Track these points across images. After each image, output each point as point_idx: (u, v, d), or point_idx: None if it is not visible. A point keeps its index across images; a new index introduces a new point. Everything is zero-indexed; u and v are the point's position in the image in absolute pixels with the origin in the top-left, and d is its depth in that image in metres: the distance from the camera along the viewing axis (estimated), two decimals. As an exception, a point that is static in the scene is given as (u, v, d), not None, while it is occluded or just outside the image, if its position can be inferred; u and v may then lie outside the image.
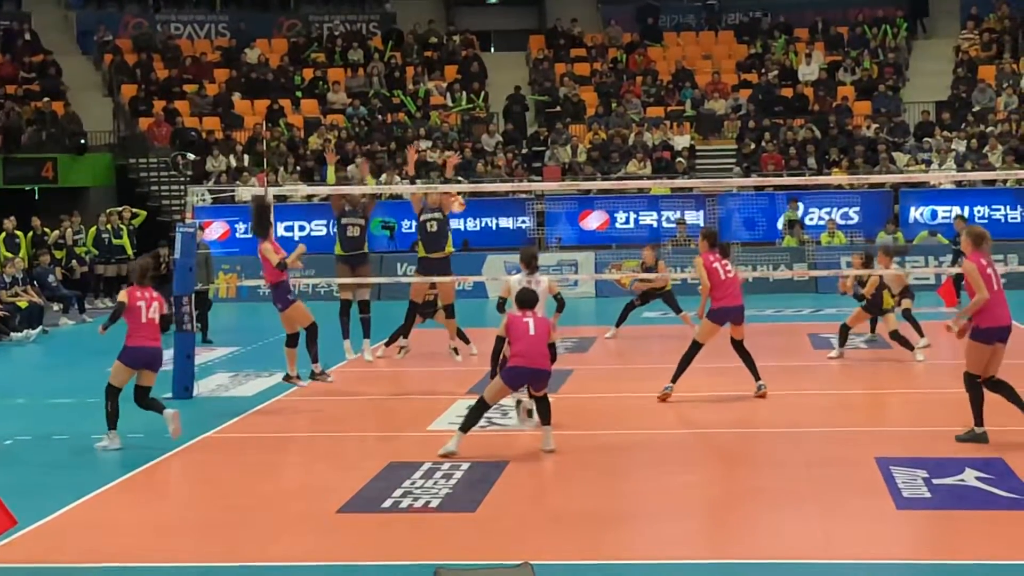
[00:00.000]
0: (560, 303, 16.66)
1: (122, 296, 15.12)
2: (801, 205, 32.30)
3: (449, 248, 19.61)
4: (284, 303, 17.29)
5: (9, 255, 29.38)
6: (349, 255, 19.83)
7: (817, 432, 14.99)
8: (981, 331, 14.15)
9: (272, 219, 17.68)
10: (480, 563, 9.81)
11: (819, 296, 29.85)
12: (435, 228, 19.34)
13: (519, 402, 15.19)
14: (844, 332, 20.43)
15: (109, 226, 32.40)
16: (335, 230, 18.46)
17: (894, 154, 34.81)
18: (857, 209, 32.68)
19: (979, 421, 14.15)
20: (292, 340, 17.30)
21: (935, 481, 12.35)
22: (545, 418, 14.11)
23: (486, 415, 14.39)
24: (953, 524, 11.09)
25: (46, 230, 31.98)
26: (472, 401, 14.43)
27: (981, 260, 14.23)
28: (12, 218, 31.24)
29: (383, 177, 34.46)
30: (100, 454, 14.68)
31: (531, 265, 15.95)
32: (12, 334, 25.50)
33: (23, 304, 26.17)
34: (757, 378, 16.92)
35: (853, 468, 13.13)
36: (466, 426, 13.85)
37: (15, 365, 22.67)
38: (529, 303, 14.17)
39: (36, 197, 36.64)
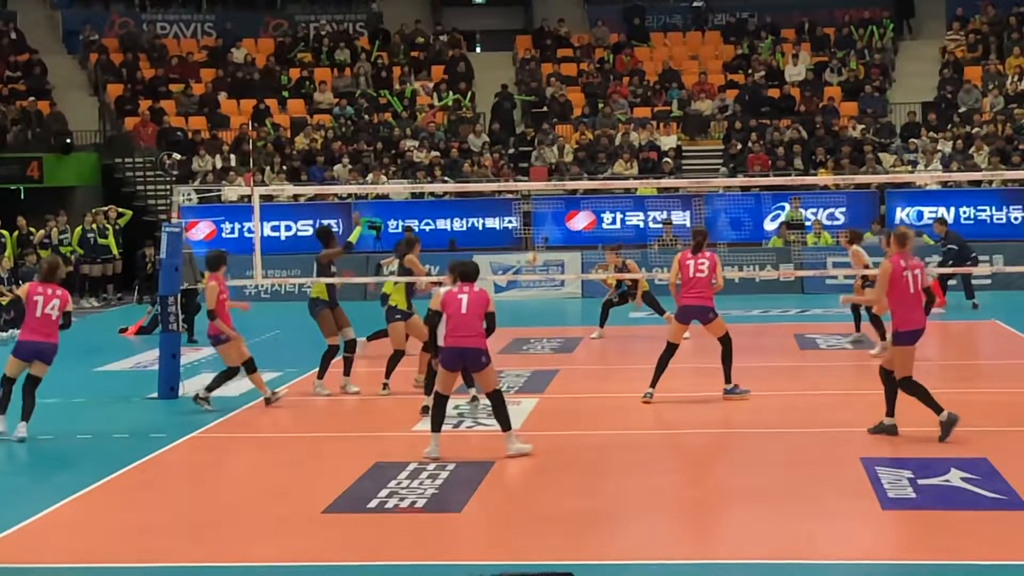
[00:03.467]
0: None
1: (21, 290, 15.91)
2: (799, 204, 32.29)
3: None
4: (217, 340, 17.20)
5: (-6, 255, 29.31)
6: (335, 301, 18.95)
7: (802, 432, 15.01)
8: (904, 334, 14.30)
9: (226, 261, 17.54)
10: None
11: (805, 296, 29.90)
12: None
13: (474, 398, 15.00)
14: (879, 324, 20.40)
15: (95, 226, 32.35)
16: (318, 274, 18.11)
17: (880, 155, 34.85)
18: (843, 210, 32.68)
19: (891, 411, 14.46)
20: (249, 366, 17.11)
21: (920, 481, 12.37)
22: (502, 422, 13.79)
23: (472, 416, 14.37)
24: (938, 524, 11.10)
25: (31, 230, 31.92)
26: (462, 401, 14.43)
27: (900, 262, 14.33)
28: (-3, 218, 31.21)
29: (369, 177, 34.47)
30: (86, 454, 14.65)
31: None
32: (-3, 333, 25.44)
33: (4, 302, 26.09)
34: (727, 380, 16.88)
35: (838, 468, 13.14)
36: (435, 424, 13.77)
37: None
38: (469, 276, 13.97)
39: (22, 197, 36.55)
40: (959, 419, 14.14)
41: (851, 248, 21.07)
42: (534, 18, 44.10)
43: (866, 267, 20.89)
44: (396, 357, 17.83)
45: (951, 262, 26.28)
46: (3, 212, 32.04)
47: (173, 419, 16.59)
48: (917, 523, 11.24)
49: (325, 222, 19.00)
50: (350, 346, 18.25)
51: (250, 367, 17.05)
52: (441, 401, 13.83)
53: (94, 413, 17.22)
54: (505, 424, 13.80)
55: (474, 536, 11.09)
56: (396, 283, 18.18)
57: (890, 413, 14.48)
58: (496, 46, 43.77)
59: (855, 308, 21.77)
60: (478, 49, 44.50)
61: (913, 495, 11.95)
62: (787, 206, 32.48)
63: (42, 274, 15.87)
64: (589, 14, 44.04)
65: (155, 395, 18.12)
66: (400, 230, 33.02)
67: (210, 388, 17.06)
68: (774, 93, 38.75)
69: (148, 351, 21.13)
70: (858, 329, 21.94)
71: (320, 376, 18.09)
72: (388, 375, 17.78)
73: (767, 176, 32.61)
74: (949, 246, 27.05)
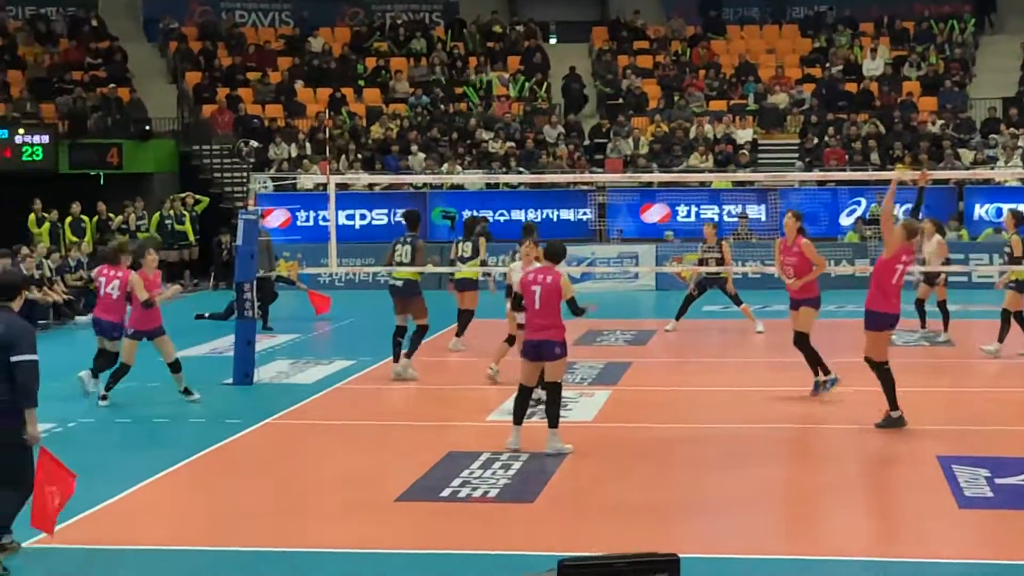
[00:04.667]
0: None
1: (94, 272, 17.47)
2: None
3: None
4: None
5: (75, 239, 29.64)
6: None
7: (878, 430, 14.86)
8: (881, 316, 14.69)
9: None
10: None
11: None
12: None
13: (537, 399, 14.75)
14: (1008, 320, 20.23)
15: (172, 212, 32.66)
16: (419, 258, 18.56)
17: (959, 150, 34.50)
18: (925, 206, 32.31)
19: (894, 405, 14.68)
20: (174, 367, 17.00)
21: (997, 480, 12.24)
22: (551, 417, 13.64)
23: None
24: (1015, 524, 10.98)
25: (111, 215, 32.27)
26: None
27: (903, 256, 14.75)
28: (77, 203, 31.54)
29: (445, 166, 34.53)
30: (163, 438, 14.80)
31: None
32: (76, 317, 25.72)
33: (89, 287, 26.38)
34: (822, 371, 16.72)
35: (914, 466, 13.05)
36: (517, 417, 13.79)
37: (78, 348, 22.78)
38: (551, 255, 13.92)
39: (101, 182, 36.91)
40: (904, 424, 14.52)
41: (934, 239, 20.95)
42: (609, 9, 43.99)
43: (947, 260, 20.73)
44: (467, 317, 20.33)
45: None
46: (83, 197, 32.38)
47: (248, 405, 16.71)
48: (994, 522, 11.12)
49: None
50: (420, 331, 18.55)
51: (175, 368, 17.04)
52: (524, 392, 13.82)
53: (170, 398, 17.35)
54: (553, 420, 13.66)
55: (547, 526, 11.08)
56: (469, 266, 19.74)
57: (894, 406, 14.68)
58: (572, 37, 43.68)
59: (919, 304, 21.68)
60: (553, 40, 44.43)
61: (990, 494, 11.83)
62: (873, 203, 32.16)
63: (107, 257, 17.32)
64: (665, 6, 43.86)
65: (230, 381, 18.25)
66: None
67: (108, 387, 16.88)
68: (851, 87, 38.44)
69: (223, 337, 21.28)
70: (923, 326, 21.83)
71: (409, 356, 18.33)
72: (461, 332, 20.15)
73: (843, 171, 32.34)
74: None
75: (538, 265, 14.17)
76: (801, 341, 16.36)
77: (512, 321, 17.01)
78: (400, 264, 18.48)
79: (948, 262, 21.75)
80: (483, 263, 21.14)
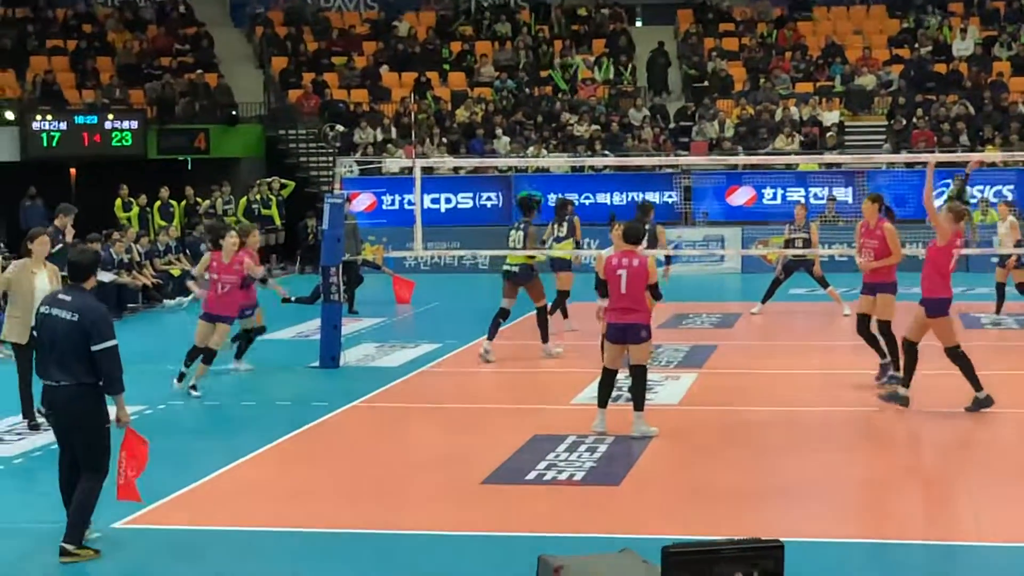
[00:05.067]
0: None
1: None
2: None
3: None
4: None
5: (163, 224, 29.95)
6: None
7: (968, 413, 14.70)
8: (945, 302, 14.59)
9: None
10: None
11: (970, 275, 29.30)
12: None
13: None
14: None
15: (259, 196, 32.90)
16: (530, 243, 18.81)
17: (1050, 132, 34.02)
18: (1011, 187, 31.98)
19: (978, 386, 14.56)
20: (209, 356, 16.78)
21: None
22: (636, 400, 13.62)
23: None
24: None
25: (198, 200, 32.57)
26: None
27: (957, 241, 14.81)
28: (166, 187, 31.87)
29: (530, 150, 34.52)
30: (251, 420, 14.92)
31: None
32: (165, 301, 26.00)
33: (176, 272, 26.66)
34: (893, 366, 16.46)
35: (1006, 450, 12.91)
36: (602, 400, 13.79)
37: (167, 332, 23.08)
38: (629, 237, 13.90)
39: (188, 167, 37.28)
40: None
41: (1008, 219, 20.96)
42: (696, -8, 43.74)
43: (1019, 242, 20.53)
44: (563, 297, 20.45)
45: None
46: (171, 182, 32.71)
47: (334, 388, 16.81)
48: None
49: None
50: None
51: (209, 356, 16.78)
52: (608, 376, 13.82)
53: (257, 380, 17.52)
54: (639, 403, 13.62)
55: (633, 509, 11.07)
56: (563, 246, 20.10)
57: (978, 387, 14.59)
58: (657, 20, 43.48)
59: (1000, 287, 21.55)
60: (639, 23, 44.26)
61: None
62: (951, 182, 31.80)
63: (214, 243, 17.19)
64: (751, -12, 43.56)
65: (316, 364, 18.37)
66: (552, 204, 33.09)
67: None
68: (940, 68, 38.00)
69: (310, 321, 21.42)
70: (999, 310, 21.65)
71: (545, 340, 18.77)
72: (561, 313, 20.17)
73: (932, 152, 31.98)
74: None
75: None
76: (884, 328, 16.05)
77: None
78: (513, 249, 18.63)
79: (1021, 244, 21.52)
80: (577, 244, 21.08)
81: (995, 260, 21.34)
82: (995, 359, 18.35)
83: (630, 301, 13.56)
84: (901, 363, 15.07)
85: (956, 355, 14.55)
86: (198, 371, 16.48)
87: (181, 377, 16.58)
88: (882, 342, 16.21)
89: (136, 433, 10.16)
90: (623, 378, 14.26)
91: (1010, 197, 29.05)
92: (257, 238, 17.28)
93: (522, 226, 18.64)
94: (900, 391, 14.68)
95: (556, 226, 20.85)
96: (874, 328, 16.07)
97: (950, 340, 14.56)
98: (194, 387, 16.31)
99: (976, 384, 14.48)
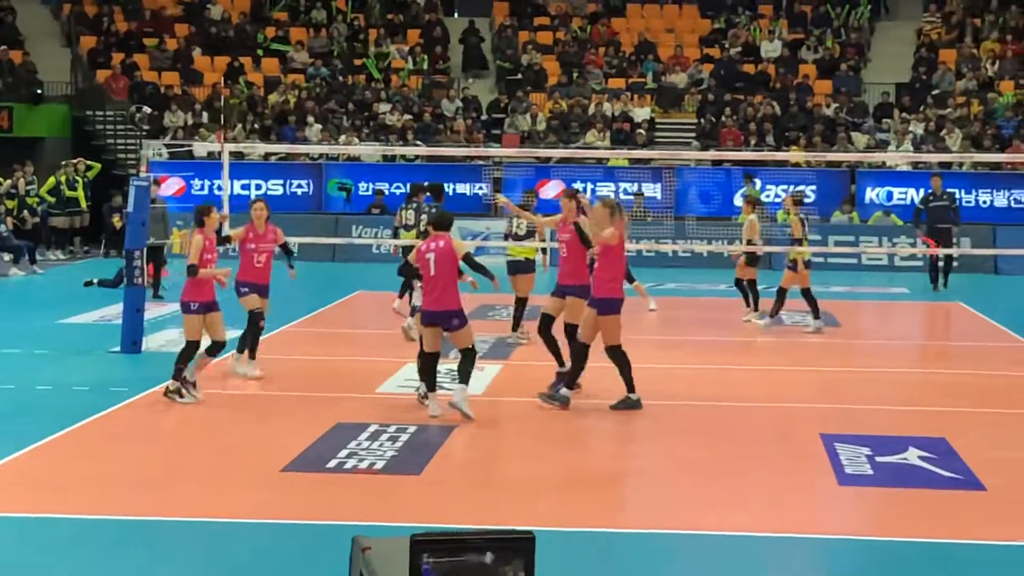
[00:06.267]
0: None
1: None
2: (758, 181, 32.16)
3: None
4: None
5: (-39, 202, 29.17)
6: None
7: (763, 407, 15.04)
8: (617, 302, 14.45)
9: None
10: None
11: (773, 272, 29.93)
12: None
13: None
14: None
15: (64, 177, 32.19)
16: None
17: (852, 134, 34.91)
18: (814, 187, 32.74)
19: (632, 387, 14.57)
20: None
21: (878, 459, 12.43)
22: (463, 376, 13.89)
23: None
24: (893, 502, 11.17)
25: (0, 179, 31.78)
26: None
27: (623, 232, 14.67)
28: (-35, 166, 31.06)
29: (342, 138, 34.35)
30: (46, 406, 14.59)
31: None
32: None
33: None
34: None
35: (797, 443, 13.21)
36: (430, 384, 13.96)
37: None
38: (437, 224, 14.08)
39: (-10, 145, 36.34)
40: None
41: (750, 217, 21.45)
42: (512, -15, 43.92)
43: (797, 240, 20.92)
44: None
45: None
46: (-31, 160, 31.88)
47: (135, 373, 16.54)
48: (873, 500, 11.30)
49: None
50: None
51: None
52: (429, 359, 13.95)
53: (56, 365, 17.15)
54: (465, 379, 13.87)
55: (431, 498, 11.09)
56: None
57: (631, 388, 14.61)
58: (473, 12, 43.57)
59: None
60: (456, 14, 44.30)
61: (870, 472, 12.02)
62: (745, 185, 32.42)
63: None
64: (567, -17, 43.86)
65: (117, 349, 18.06)
66: (371, 193, 33.04)
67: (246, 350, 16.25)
68: (749, 68, 38.75)
69: (113, 305, 21.04)
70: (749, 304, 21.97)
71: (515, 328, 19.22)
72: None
73: (739, 151, 32.61)
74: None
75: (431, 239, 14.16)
76: (572, 331, 15.02)
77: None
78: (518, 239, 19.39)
79: (752, 242, 21.82)
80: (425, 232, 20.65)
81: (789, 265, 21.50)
82: (790, 353, 18.82)
83: (441, 284, 13.70)
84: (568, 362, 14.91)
85: (617, 354, 14.51)
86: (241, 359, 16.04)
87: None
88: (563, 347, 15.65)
89: None
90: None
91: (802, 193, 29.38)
92: (215, 217, 16.22)
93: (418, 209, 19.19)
94: (631, 397, 14.61)
95: (404, 212, 20.68)
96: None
97: (614, 339, 14.45)
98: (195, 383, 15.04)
99: (630, 385, 14.53)
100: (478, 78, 39.43)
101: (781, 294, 20.97)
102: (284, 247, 16.78)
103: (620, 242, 14.53)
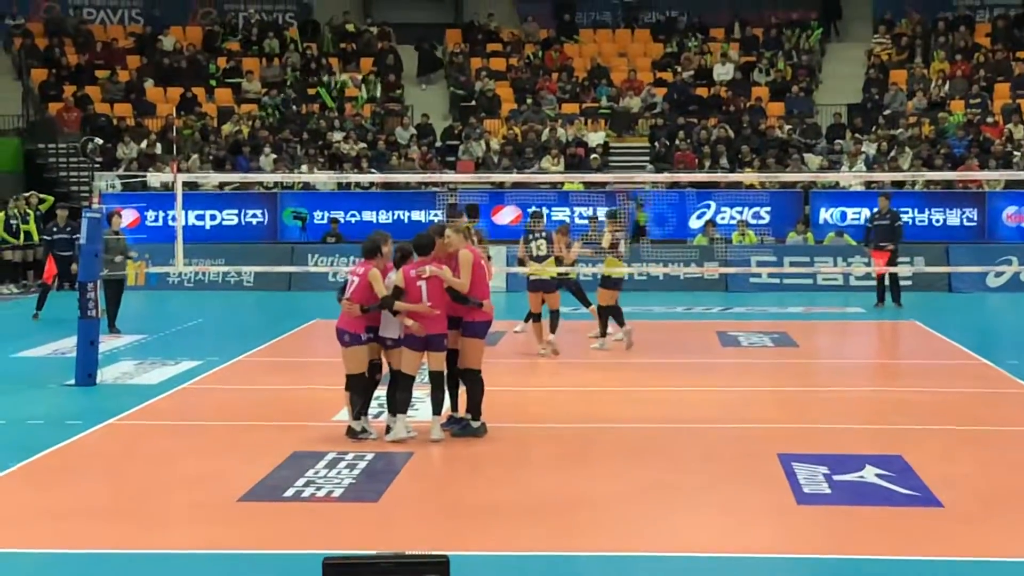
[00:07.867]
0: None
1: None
2: (647, 215, 32.45)
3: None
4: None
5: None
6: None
7: (721, 428, 15.06)
8: (486, 325, 14.44)
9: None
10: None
11: (728, 295, 30.07)
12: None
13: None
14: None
15: (16, 211, 31.99)
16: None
17: (805, 155, 35.11)
18: (768, 209, 32.90)
19: (478, 414, 14.47)
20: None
21: (835, 477, 12.46)
22: (435, 405, 14.04)
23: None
24: (852, 520, 11.17)
25: (-50, 214, 31.58)
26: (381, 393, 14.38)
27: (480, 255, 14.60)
28: (-83, 201, 30.84)
29: (304, 167, 34.32)
30: (0, 440, 14.49)
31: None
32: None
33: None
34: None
35: (755, 463, 13.21)
36: (403, 406, 14.03)
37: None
38: (419, 249, 14.06)
39: (-59, 180, 36.11)
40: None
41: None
42: (464, 12, 44.07)
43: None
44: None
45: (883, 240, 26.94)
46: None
47: (90, 406, 16.43)
48: (831, 518, 11.31)
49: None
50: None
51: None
52: (408, 381, 13.98)
53: (9, 399, 17.02)
54: (437, 408, 14.03)
55: (389, 525, 11.05)
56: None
57: (477, 415, 14.47)
58: (426, 39, 43.68)
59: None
60: (408, 43, 44.33)
61: (828, 491, 12.04)
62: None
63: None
64: (519, 9, 44.07)
65: (72, 382, 17.94)
66: (327, 221, 32.99)
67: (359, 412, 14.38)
68: (702, 92, 38.95)
69: (68, 338, 20.90)
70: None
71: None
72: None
73: (693, 174, 32.73)
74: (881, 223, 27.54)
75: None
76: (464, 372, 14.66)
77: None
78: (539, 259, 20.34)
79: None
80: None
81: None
82: (746, 375, 18.86)
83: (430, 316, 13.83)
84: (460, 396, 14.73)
85: (477, 378, 14.38)
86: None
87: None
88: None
89: None
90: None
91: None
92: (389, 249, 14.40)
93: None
94: (474, 424, 14.42)
95: (534, 243, 21.12)
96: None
97: (476, 363, 14.37)
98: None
99: (477, 412, 14.38)
100: (430, 83, 39.58)
101: (603, 312, 21.30)
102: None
103: (477, 263, 14.30)
